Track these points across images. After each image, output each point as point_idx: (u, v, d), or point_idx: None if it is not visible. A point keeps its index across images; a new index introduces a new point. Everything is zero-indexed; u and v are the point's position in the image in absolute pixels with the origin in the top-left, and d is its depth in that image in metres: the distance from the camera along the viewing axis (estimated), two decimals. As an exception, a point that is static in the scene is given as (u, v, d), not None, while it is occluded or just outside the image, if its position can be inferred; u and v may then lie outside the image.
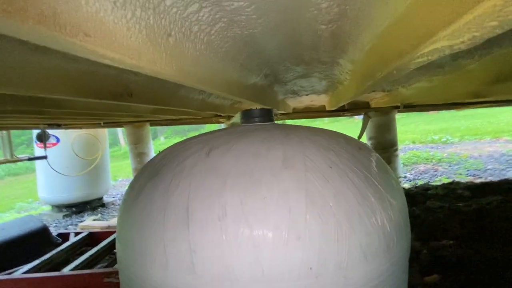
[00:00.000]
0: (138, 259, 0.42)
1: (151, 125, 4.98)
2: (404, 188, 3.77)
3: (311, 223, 0.38)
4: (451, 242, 2.12)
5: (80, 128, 4.38)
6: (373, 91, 2.85)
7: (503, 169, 4.63)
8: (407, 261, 0.48)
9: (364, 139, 4.16)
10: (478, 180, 4.02)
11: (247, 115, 0.67)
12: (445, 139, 7.88)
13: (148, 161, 0.57)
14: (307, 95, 3.06)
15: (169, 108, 1.98)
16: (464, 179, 4.22)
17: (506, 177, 4.14)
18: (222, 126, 4.12)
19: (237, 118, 0.75)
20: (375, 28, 0.78)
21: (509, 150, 5.69)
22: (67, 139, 4.61)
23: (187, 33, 0.71)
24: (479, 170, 4.69)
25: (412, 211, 2.79)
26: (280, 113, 3.49)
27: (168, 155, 0.53)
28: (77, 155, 4.48)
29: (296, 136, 0.50)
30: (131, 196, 0.51)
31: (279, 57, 1.18)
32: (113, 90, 1.28)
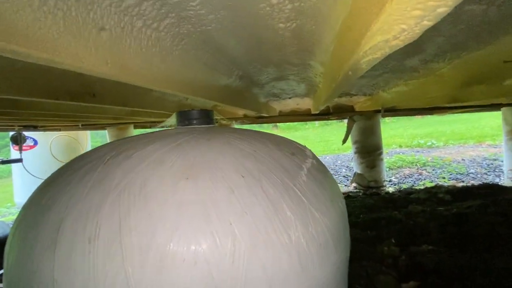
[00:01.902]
0: (9, 286, 0.35)
1: (135, 127, 4.86)
2: (388, 192, 3.77)
3: (201, 243, 0.32)
4: (430, 247, 2.10)
5: (59, 130, 4.24)
6: (355, 95, 2.85)
7: (484, 173, 4.72)
8: (340, 285, 0.42)
9: (350, 142, 4.16)
10: (460, 184, 4.08)
11: (183, 117, 0.61)
12: (430, 143, 8.02)
13: (58, 168, 0.51)
14: (290, 98, 3.03)
15: (143, 110, 1.91)
16: (446, 183, 4.27)
17: (487, 181, 4.21)
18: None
19: (172, 120, 0.68)
20: (333, 27, 0.74)
21: (491, 154, 5.82)
22: (45, 142, 4.45)
23: (127, 28, 0.65)
24: (462, 174, 4.77)
25: (394, 216, 2.78)
26: (256, 116, 3.43)
27: (72, 161, 0.47)
28: (55, 158, 4.32)
29: (219, 141, 0.45)
30: (23, 207, 0.44)
31: (246, 57, 1.14)
32: (72, 90, 1.21)
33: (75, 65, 0.52)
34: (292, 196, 0.37)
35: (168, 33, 0.77)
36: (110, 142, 0.53)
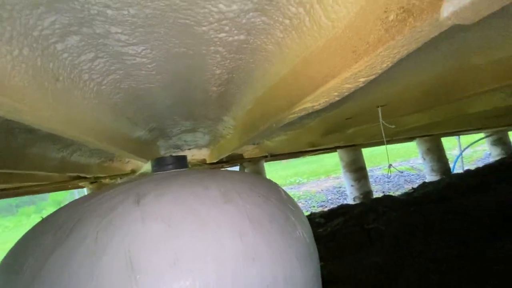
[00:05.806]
0: None
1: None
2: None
3: (260, 244, 0.41)
4: (322, 263, 2.56)
5: None
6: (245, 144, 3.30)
7: (337, 198, 6.33)
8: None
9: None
10: (326, 209, 5.24)
11: (160, 163, 0.64)
12: (298, 181, 9.91)
13: (31, 230, 0.41)
14: (189, 149, 3.12)
15: (14, 172, 1.45)
16: (317, 210, 5.37)
17: (340, 203, 5.65)
18: (85, 191, 3.33)
19: (146, 168, 0.68)
20: (256, 92, 0.99)
21: (337, 184, 7.91)
22: None
23: (76, 80, 0.64)
24: (324, 201, 6.17)
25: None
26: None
27: (73, 215, 0.40)
28: None
29: (221, 176, 0.55)
30: (25, 269, 0.33)
31: (170, 111, 1.22)
32: None
33: (35, 115, 0.48)
34: (285, 207, 0.50)
35: (109, 87, 0.78)
36: (93, 193, 0.48)
